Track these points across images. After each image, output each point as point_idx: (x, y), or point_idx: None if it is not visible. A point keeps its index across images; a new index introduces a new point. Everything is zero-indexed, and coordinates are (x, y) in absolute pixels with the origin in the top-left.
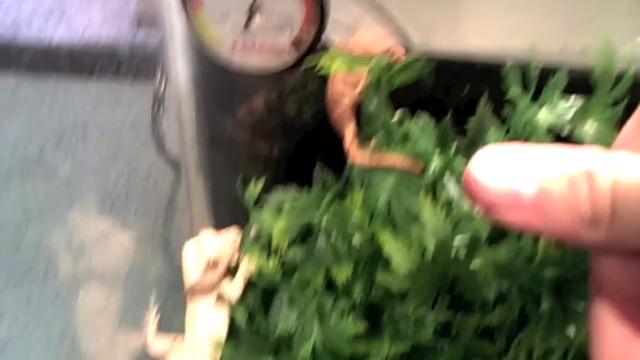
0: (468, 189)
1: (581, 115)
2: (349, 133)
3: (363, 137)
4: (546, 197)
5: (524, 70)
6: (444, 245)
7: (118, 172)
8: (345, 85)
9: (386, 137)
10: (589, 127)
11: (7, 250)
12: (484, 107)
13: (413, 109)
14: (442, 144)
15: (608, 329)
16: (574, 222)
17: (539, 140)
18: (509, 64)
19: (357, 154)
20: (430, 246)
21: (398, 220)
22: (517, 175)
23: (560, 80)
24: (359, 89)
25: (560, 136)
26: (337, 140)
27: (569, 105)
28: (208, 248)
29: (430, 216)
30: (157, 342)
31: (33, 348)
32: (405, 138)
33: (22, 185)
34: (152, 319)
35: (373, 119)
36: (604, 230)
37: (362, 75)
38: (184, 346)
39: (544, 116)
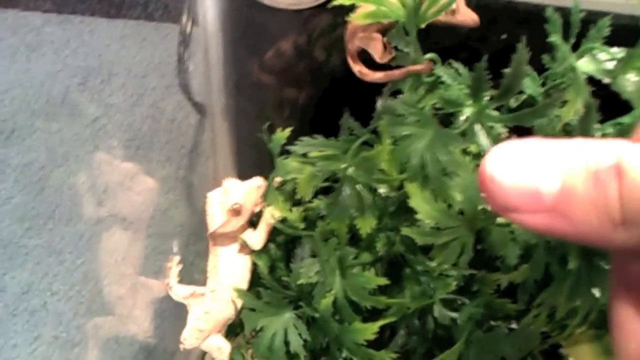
0: (484, 188)
1: (623, 65)
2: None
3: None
4: (570, 196)
5: (565, 16)
6: (471, 199)
7: (143, 114)
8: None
9: (414, 80)
10: (631, 79)
11: (31, 192)
12: (521, 52)
13: (445, 56)
14: (475, 92)
15: (633, 330)
16: (602, 223)
17: (578, 91)
18: (550, 9)
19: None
20: (457, 199)
21: (431, 176)
22: (537, 171)
23: (602, 27)
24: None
25: (601, 86)
26: (365, 88)
27: (611, 56)
28: (232, 195)
29: (458, 168)
30: (179, 288)
31: (55, 292)
32: (435, 84)
33: (47, 126)
34: (174, 265)
35: (401, 59)
36: (638, 231)
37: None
38: (205, 292)
39: (585, 65)
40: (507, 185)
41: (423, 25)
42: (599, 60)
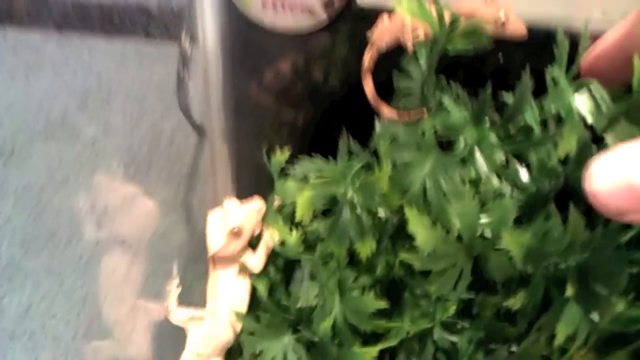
0: (593, 204)
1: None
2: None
3: (397, 97)
4: None
5: (571, 39)
6: (469, 225)
7: (142, 135)
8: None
9: (422, 103)
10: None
11: (31, 214)
12: (525, 82)
13: (442, 73)
14: (477, 118)
15: None
16: None
17: (573, 128)
18: (559, 34)
19: (384, 108)
20: (456, 226)
21: (431, 202)
22: (630, 170)
23: None
24: (407, 37)
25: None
26: (364, 109)
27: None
28: (232, 217)
29: (458, 195)
30: (178, 311)
31: (54, 315)
32: (436, 108)
33: (46, 147)
34: (173, 288)
35: (411, 81)
36: None
37: (409, 29)
38: (205, 315)
39: (581, 102)
40: (609, 196)
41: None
42: (595, 98)
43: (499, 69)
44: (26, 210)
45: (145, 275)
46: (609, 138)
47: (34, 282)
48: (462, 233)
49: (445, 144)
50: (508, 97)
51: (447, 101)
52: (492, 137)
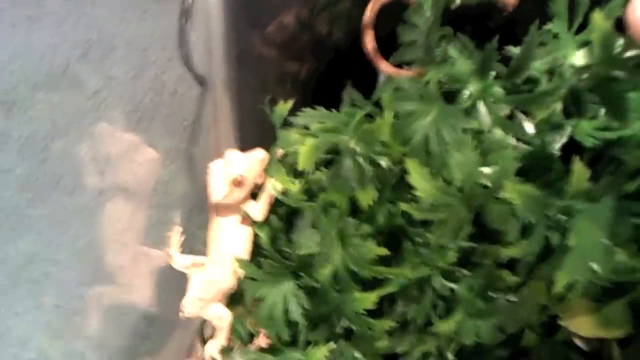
0: (634, 35)
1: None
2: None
3: (402, 50)
4: None
5: None
6: (470, 175)
7: (144, 87)
8: None
9: (426, 54)
10: None
11: (34, 163)
12: (533, 35)
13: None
14: (482, 70)
15: None
16: None
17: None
18: None
19: (382, 63)
20: (457, 176)
21: (433, 153)
22: None
23: (614, 9)
24: None
25: None
26: (368, 62)
27: None
28: (235, 166)
29: (461, 146)
30: (180, 258)
31: (58, 261)
32: (442, 59)
33: (49, 97)
34: (176, 235)
35: (416, 33)
36: None
37: None
38: (206, 263)
39: (580, 59)
40: None
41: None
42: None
43: (506, 24)
44: (29, 159)
45: (148, 223)
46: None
47: (38, 229)
48: (463, 184)
49: (449, 96)
50: (515, 50)
51: (453, 51)
52: (497, 89)
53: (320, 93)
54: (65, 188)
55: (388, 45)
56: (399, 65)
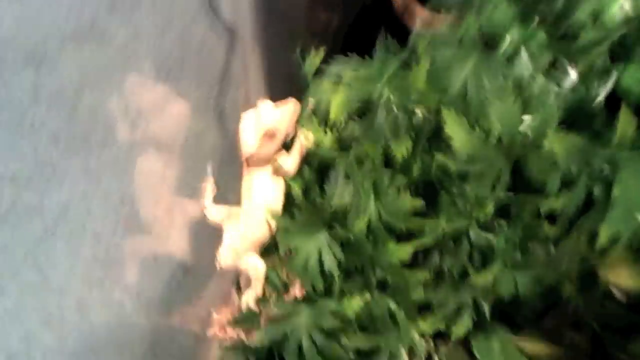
0: None
1: None
2: None
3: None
4: None
5: None
6: (511, 127)
7: (173, 39)
8: None
9: (464, 2)
10: None
11: (65, 116)
12: None
13: None
14: (526, 15)
15: None
16: None
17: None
18: None
19: (417, 6)
20: (496, 128)
21: (472, 102)
22: None
23: None
24: None
25: None
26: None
27: None
28: (266, 119)
29: (501, 96)
30: (214, 209)
31: (92, 213)
32: (482, 4)
33: (77, 51)
34: (209, 186)
35: None
36: None
37: None
38: (240, 214)
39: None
40: None
41: None
42: None
43: None
44: (61, 113)
45: (181, 175)
46: None
47: (72, 182)
48: (503, 136)
49: (489, 44)
50: None
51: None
52: (541, 36)
53: (352, 44)
54: (97, 140)
55: None
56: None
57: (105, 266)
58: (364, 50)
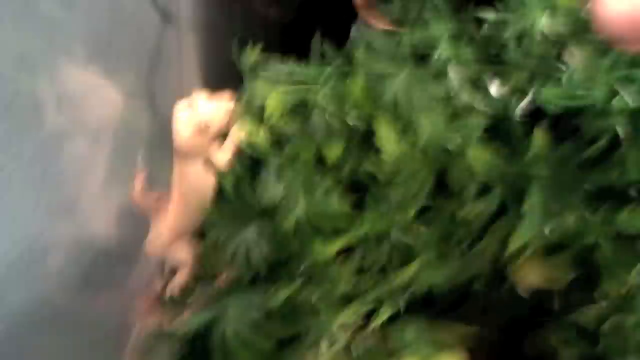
0: (601, 32)
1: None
2: None
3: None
4: None
5: None
6: (436, 139)
7: (103, 15)
8: None
9: (402, 13)
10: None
11: None
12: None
13: None
14: (454, 36)
15: None
16: None
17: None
18: None
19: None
20: (423, 139)
21: (402, 115)
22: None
23: None
24: None
25: None
26: (341, 8)
27: None
28: (201, 110)
29: (429, 109)
30: (143, 198)
31: (12, 190)
32: (416, 21)
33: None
34: (139, 174)
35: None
36: None
37: None
38: (169, 205)
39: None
40: (615, 22)
41: None
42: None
43: None
44: None
45: (109, 161)
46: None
47: None
48: (428, 146)
49: (422, 58)
50: (488, 16)
51: (428, 14)
52: (467, 54)
53: (290, 37)
54: (22, 119)
55: None
56: None
57: (25, 246)
58: (304, 44)
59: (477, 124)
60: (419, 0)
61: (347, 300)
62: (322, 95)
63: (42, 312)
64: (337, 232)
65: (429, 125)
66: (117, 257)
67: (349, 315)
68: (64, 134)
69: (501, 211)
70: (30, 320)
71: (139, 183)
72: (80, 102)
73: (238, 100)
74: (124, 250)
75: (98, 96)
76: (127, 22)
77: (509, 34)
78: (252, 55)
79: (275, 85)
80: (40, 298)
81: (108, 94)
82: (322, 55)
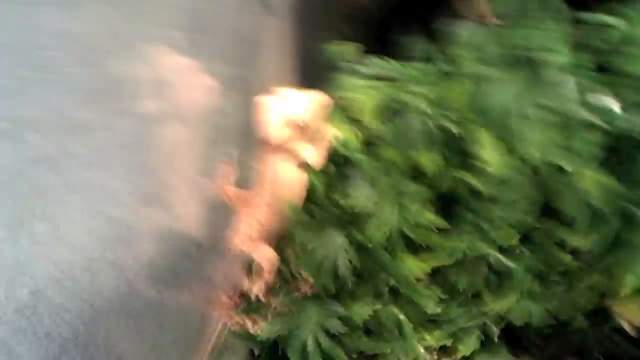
0: None
1: None
2: None
3: None
4: None
5: None
6: (549, 158)
7: (205, 3)
8: None
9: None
10: None
11: (91, 70)
12: None
13: None
14: (574, 43)
15: None
16: None
17: None
18: None
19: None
20: (534, 156)
21: (512, 127)
22: None
23: None
24: None
25: None
26: (446, 4)
27: None
28: (293, 107)
29: (544, 124)
30: (233, 192)
31: (111, 169)
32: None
33: (109, 3)
34: (229, 168)
35: None
36: None
37: None
38: (259, 202)
39: None
40: None
41: None
42: None
43: None
44: (86, 66)
45: (202, 151)
46: None
47: (93, 138)
48: (540, 164)
49: (533, 64)
50: (616, 22)
51: (547, 18)
52: (589, 65)
53: (390, 32)
54: (122, 97)
55: None
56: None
57: (120, 228)
58: (400, 42)
59: (595, 142)
60: (539, 2)
61: (434, 321)
62: (421, 98)
63: (129, 299)
64: (430, 248)
65: (541, 139)
66: (205, 249)
67: (436, 339)
68: (160, 120)
69: (615, 242)
70: (117, 306)
71: (229, 176)
72: (177, 88)
73: (331, 95)
74: (212, 243)
75: (195, 83)
76: (227, 11)
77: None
78: (350, 51)
79: (370, 82)
80: (129, 283)
81: (205, 82)
82: (426, 56)
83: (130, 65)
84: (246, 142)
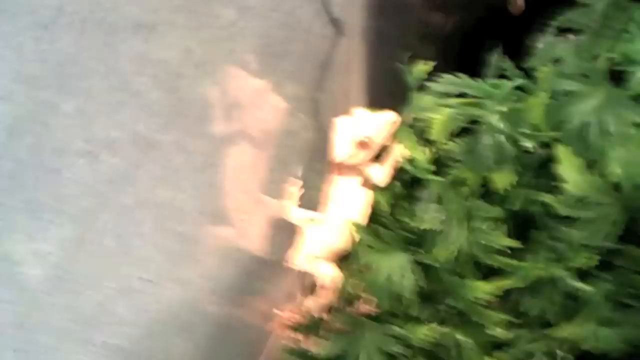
0: None
1: None
2: None
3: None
4: None
5: None
6: (633, 174)
7: (279, 21)
8: None
9: (601, 24)
10: None
11: (166, 88)
12: None
13: None
14: None
15: None
16: None
17: None
18: None
19: None
20: (616, 173)
21: (592, 143)
22: None
23: None
24: None
25: None
26: (524, 22)
27: None
28: (363, 126)
29: (626, 139)
30: (297, 211)
31: (183, 190)
32: (618, 33)
33: (187, 23)
34: (295, 187)
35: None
36: None
37: None
38: (323, 221)
39: None
40: None
41: None
42: None
43: None
44: (163, 84)
45: (269, 170)
46: None
47: (166, 156)
48: (623, 182)
49: (618, 77)
50: None
51: (633, 27)
52: None
53: (464, 52)
54: (195, 119)
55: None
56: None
57: (187, 245)
58: (479, 59)
59: None
60: (624, 10)
61: (499, 346)
62: (495, 114)
63: (193, 312)
64: (501, 270)
65: (625, 159)
66: (267, 266)
67: None
68: (229, 141)
69: None
70: (181, 319)
71: (295, 195)
72: (248, 110)
73: (402, 114)
74: (273, 259)
75: (265, 105)
76: (300, 34)
77: None
78: (422, 69)
79: (444, 100)
80: (194, 298)
81: (275, 104)
82: (501, 72)
83: (204, 88)
84: (313, 163)
